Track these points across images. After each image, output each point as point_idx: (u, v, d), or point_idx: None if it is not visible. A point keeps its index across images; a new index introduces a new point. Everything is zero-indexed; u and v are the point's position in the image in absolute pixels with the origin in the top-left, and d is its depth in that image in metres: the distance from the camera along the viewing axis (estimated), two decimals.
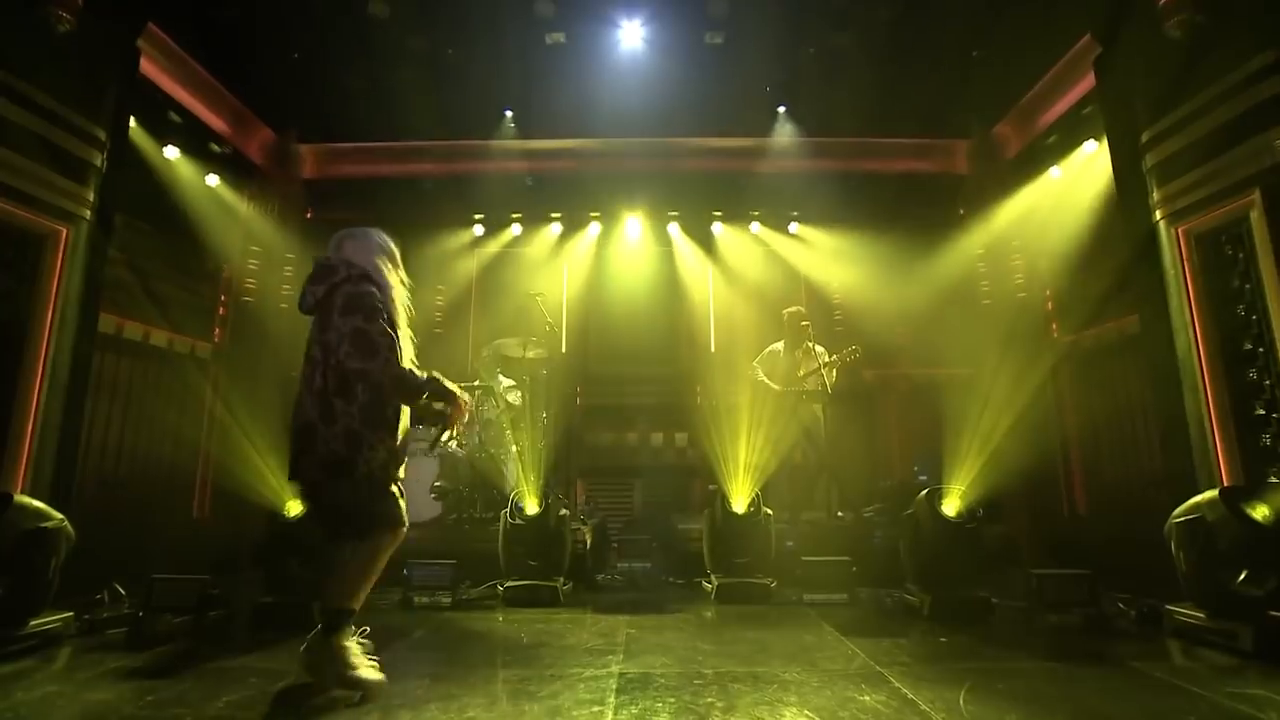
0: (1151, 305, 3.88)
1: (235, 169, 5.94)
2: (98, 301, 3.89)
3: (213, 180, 5.76)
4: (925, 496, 3.75)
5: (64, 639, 3.08)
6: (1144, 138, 3.91)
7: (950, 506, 3.68)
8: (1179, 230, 3.69)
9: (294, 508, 3.57)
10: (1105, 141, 4.49)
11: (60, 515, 3.03)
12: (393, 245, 2.64)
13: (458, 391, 2.48)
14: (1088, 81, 4.78)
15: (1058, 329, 5.81)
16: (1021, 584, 3.58)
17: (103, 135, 3.91)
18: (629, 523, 6.38)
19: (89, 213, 3.81)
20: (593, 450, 6.99)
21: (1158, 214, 3.82)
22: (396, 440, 2.43)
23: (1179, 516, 3.08)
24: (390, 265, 2.57)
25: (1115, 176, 4.26)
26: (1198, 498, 3.07)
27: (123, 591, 3.47)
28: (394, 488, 2.45)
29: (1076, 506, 5.46)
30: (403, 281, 2.59)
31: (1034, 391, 5.27)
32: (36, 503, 3.01)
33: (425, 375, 2.43)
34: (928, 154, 6.67)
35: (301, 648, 2.34)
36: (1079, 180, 5.33)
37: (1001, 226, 6.06)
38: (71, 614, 3.16)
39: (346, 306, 2.35)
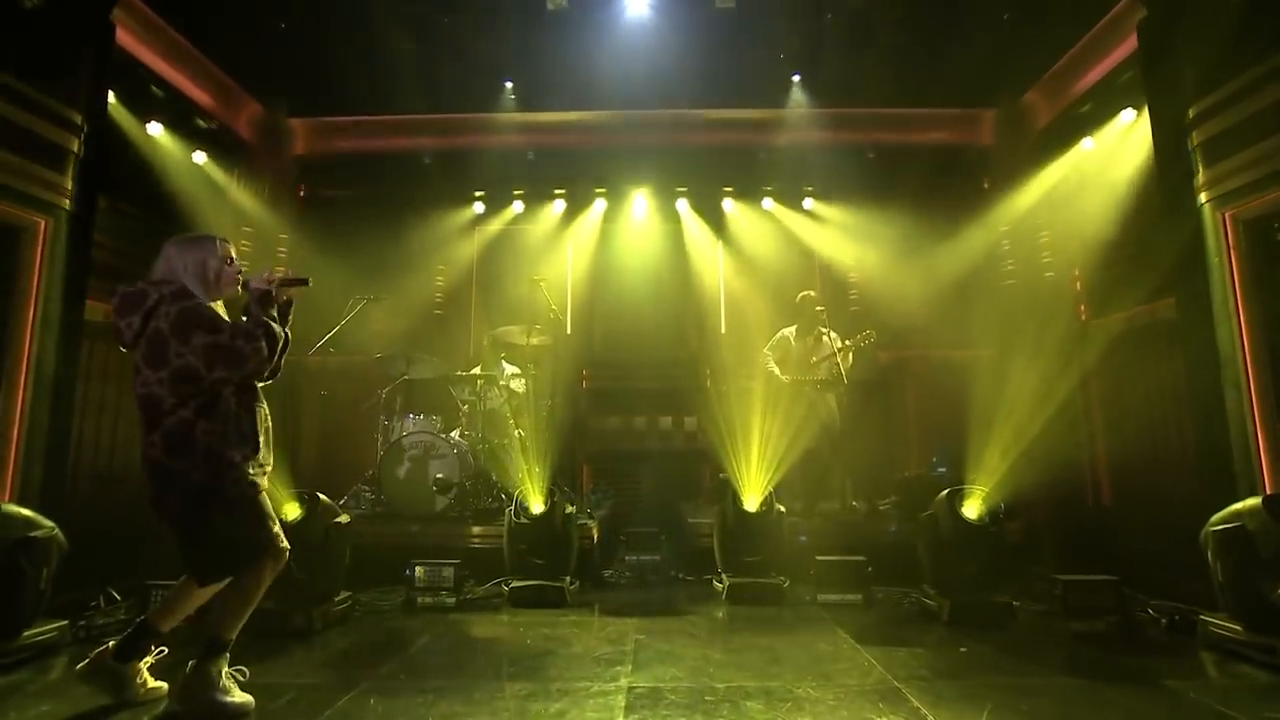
0: (1191, 292, 3.74)
1: (223, 146, 5.82)
2: (83, 296, 3.81)
3: (200, 158, 5.64)
4: (945, 497, 3.68)
5: (60, 648, 3.08)
6: (1190, 113, 3.72)
7: (971, 508, 3.61)
8: (1226, 215, 3.52)
9: (291, 510, 3.53)
10: (1145, 111, 4.30)
11: (51, 523, 3.00)
12: (222, 251, 2.49)
13: (264, 276, 2.45)
14: (1128, 44, 4.56)
15: (1086, 312, 5.68)
16: (1044, 584, 3.53)
17: (79, 119, 3.79)
18: (637, 510, 6.37)
19: (68, 202, 3.71)
20: (599, 435, 6.96)
21: (1203, 196, 3.66)
22: (258, 450, 2.39)
23: (1216, 524, 3.00)
24: (205, 277, 2.43)
25: (1156, 152, 4.08)
26: (1238, 505, 2.98)
27: (118, 597, 3.46)
28: (265, 508, 2.42)
29: (1102, 498, 5.39)
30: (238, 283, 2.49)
31: (1059, 377, 5.17)
32: (25, 511, 2.99)
33: (262, 330, 2.35)
34: (951, 125, 6.46)
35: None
36: (1114, 152, 5.13)
37: (1028, 202, 5.89)
38: (66, 622, 3.15)
39: (180, 328, 2.27)
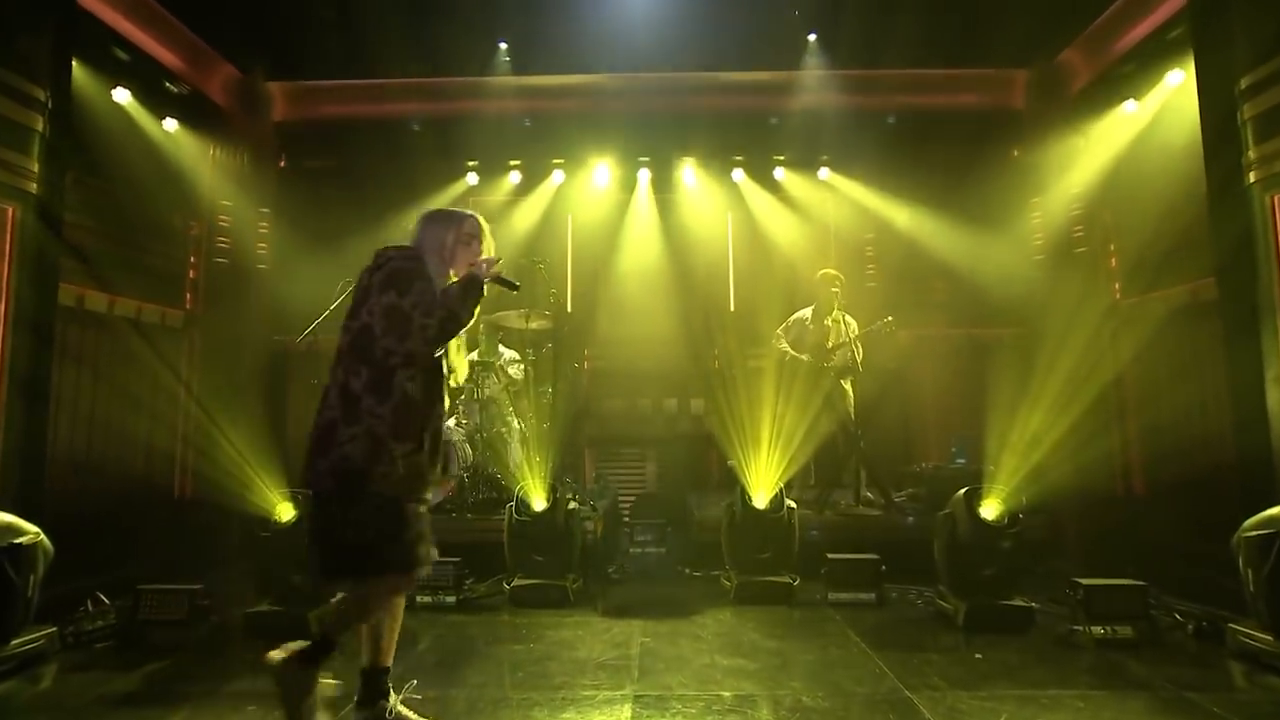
0: (1234, 283, 3.70)
1: (196, 112, 5.74)
2: (55, 287, 3.81)
3: (171, 125, 5.58)
4: (963, 497, 3.71)
5: (49, 656, 3.16)
6: (1242, 83, 3.62)
7: (989, 509, 3.64)
8: (1276, 199, 3.46)
9: (285, 512, 3.59)
10: (1194, 74, 4.18)
11: (35, 529, 3.06)
12: (467, 228, 2.48)
13: (486, 263, 2.40)
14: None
15: (1121, 290, 5.64)
16: (1066, 585, 3.57)
17: (42, 95, 3.75)
18: (642, 497, 6.44)
19: (35, 186, 3.69)
20: (602, 418, 7.01)
21: (1251, 176, 3.59)
22: (426, 456, 2.26)
23: (1250, 530, 3.03)
24: (441, 251, 2.43)
25: (1203, 123, 4.00)
26: (1273, 510, 3.00)
27: (106, 601, 3.55)
28: (417, 517, 2.26)
29: (1134, 488, 5.41)
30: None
31: (1090, 359, 5.17)
32: (8, 516, 3.04)
33: (448, 310, 2.27)
34: (979, 87, 6.31)
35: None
36: (1159, 118, 5.04)
37: (1062, 171, 5.80)
38: (55, 629, 3.24)
39: (380, 284, 2.27)
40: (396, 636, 2.44)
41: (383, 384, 2.21)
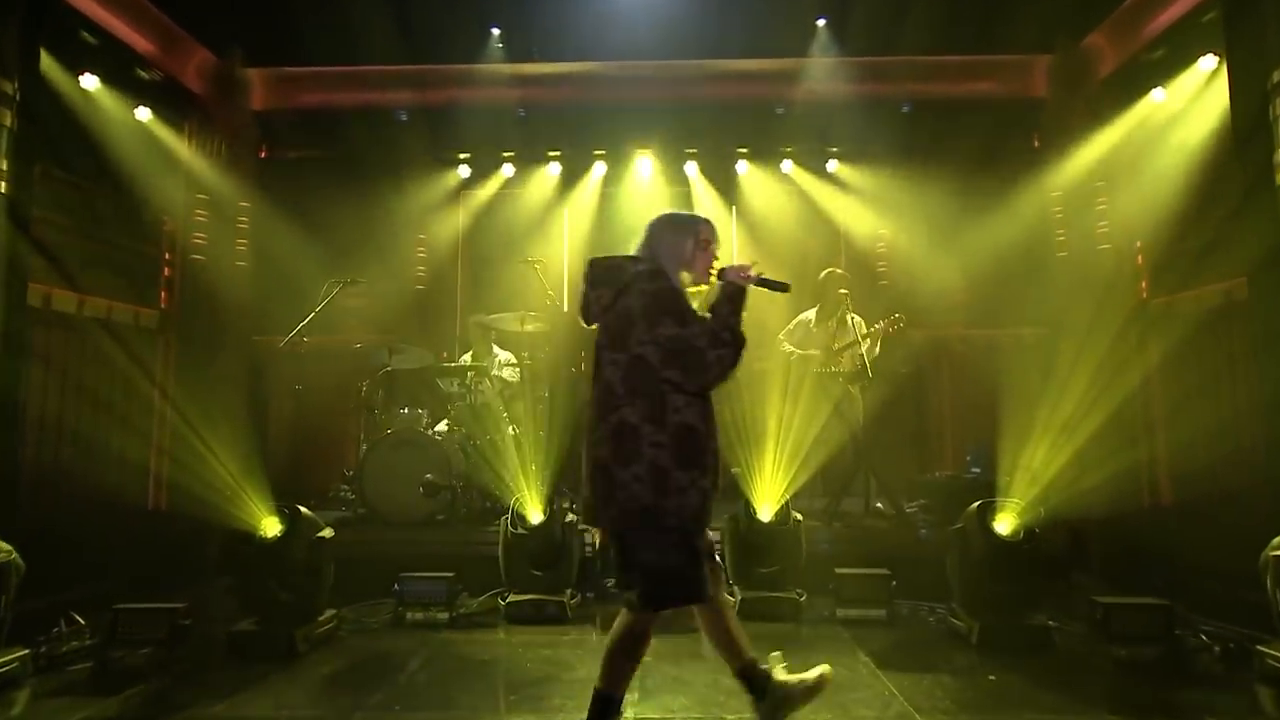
0: (1267, 281, 3.71)
1: (170, 100, 5.75)
2: (24, 295, 3.83)
3: (143, 114, 5.59)
4: (976, 510, 3.73)
5: (22, 680, 3.17)
6: (1275, 77, 3.64)
7: (1004, 523, 3.66)
8: None
9: (270, 526, 3.63)
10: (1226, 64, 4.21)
11: (8, 547, 3.09)
12: (705, 233, 2.51)
13: (741, 268, 2.42)
14: None
15: (1148, 289, 5.66)
16: (1086, 602, 3.60)
17: (10, 88, 3.76)
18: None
19: (3, 184, 3.71)
20: None
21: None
22: (709, 480, 2.32)
23: (1277, 549, 3.06)
24: (681, 259, 2.45)
25: (1233, 116, 4.02)
26: None
27: (81, 621, 3.57)
28: (703, 546, 2.34)
29: (1160, 497, 5.44)
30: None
31: (1116, 362, 5.19)
32: None
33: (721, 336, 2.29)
34: (998, 73, 6.32)
35: None
36: (1190, 106, 5.04)
37: (1086, 163, 5.80)
38: (27, 651, 3.25)
39: (650, 312, 2.28)
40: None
41: (660, 414, 2.25)
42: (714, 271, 2.49)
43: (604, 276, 2.41)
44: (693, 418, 2.29)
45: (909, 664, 3.38)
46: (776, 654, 2.66)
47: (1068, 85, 5.97)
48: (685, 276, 2.47)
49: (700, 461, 2.29)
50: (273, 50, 6.07)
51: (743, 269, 2.43)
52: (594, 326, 2.46)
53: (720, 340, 2.27)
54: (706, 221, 2.55)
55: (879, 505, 5.40)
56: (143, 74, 5.50)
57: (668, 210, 2.61)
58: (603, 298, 2.38)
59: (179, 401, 5.41)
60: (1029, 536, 3.64)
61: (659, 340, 2.25)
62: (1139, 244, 5.70)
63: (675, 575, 2.27)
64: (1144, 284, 5.68)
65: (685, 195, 7.10)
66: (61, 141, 4.81)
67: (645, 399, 2.26)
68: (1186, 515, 5.13)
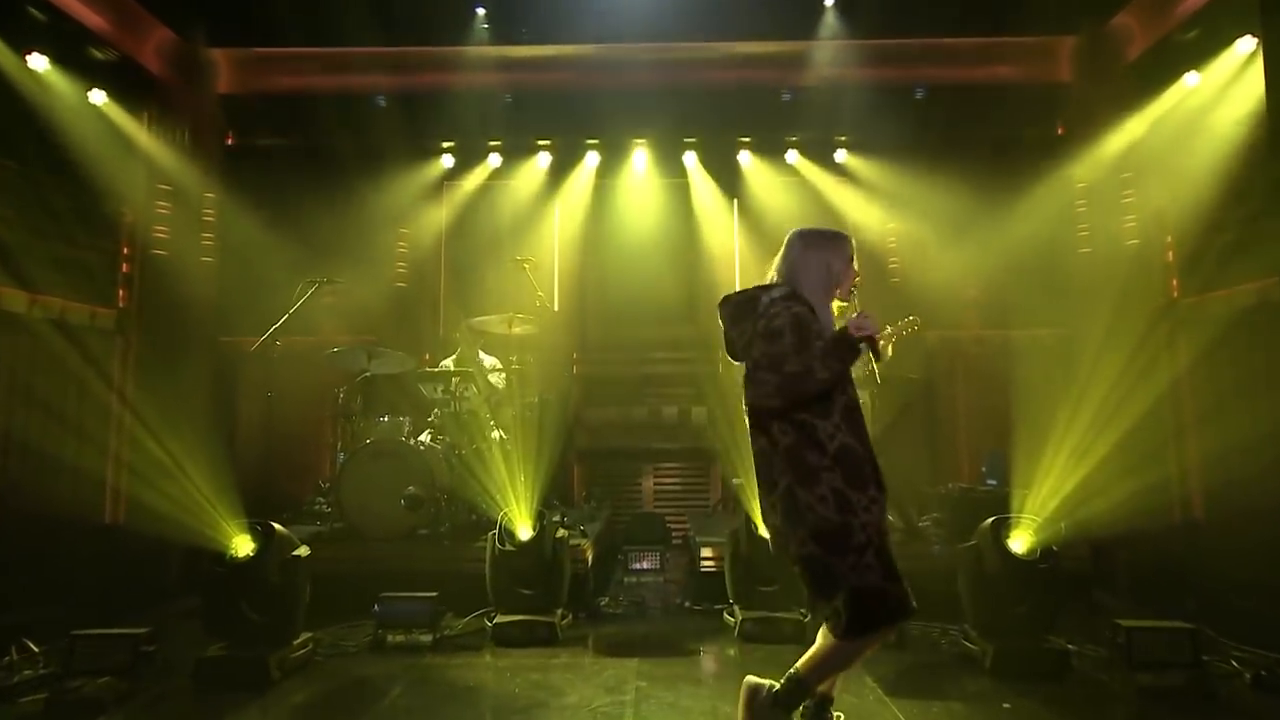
0: None
1: (127, 82, 5.71)
2: None
3: (98, 97, 5.55)
4: (989, 527, 3.74)
5: None
6: None
7: (1019, 541, 3.67)
8: None
9: (243, 545, 3.65)
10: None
11: None
12: (850, 251, 2.58)
13: (864, 322, 2.44)
14: None
15: (1178, 287, 5.68)
16: (1108, 625, 3.63)
17: None
18: (637, 518, 6.52)
19: None
20: (593, 428, 7.07)
21: None
22: (881, 485, 2.44)
23: None
24: (826, 279, 2.52)
25: (1270, 101, 4.04)
26: None
27: (34, 648, 3.56)
28: (892, 557, 2.45)
29: (1192, 512, 5.45)
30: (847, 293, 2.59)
31: (1143, 365, 5.21)
32: None
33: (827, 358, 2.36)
34: (1019, 57, 6.37)
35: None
36: (1226, 91, 5.05)
37: (1112, 152, 5.84)
38: None
39: (767, 334, 2.40)
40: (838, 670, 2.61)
41: (813, 441, 2.37)
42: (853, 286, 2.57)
43: (740, 313, 2.49)
44: (844, 439, 2.39)
45: (918, 690, 3.40)
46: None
47: (1093, 69, 6.01)
48: (836, 303, 2.54)
49: (870, 479, 2.41)
50: (240, 29, 6.06)
51: (865, 323, 2.43)
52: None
53: (806, 372, 2.32)
54: (850, 238, 2.61)
55: (888, 519, 5.43)
56: (97, 54, 5.46)
57: (808, 226, 2.65)
58: (745, 333, 2.45)
59: (139, 408, 5.38)
60: (1047, 554, 3.65)
61: (758, 360, 2.39)
62: (1169, 239, 5.72)
63: (877, 592, 2.37)
64: (1174, 282, 5.70)
65: (683, 187, 7.11)
66: (8, 127, 4.79)
67: (787, 422, 2.38)
68: (1219, 531, 5.13)
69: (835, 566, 2.35)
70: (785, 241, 2.59)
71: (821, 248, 2.54)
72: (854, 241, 2.61)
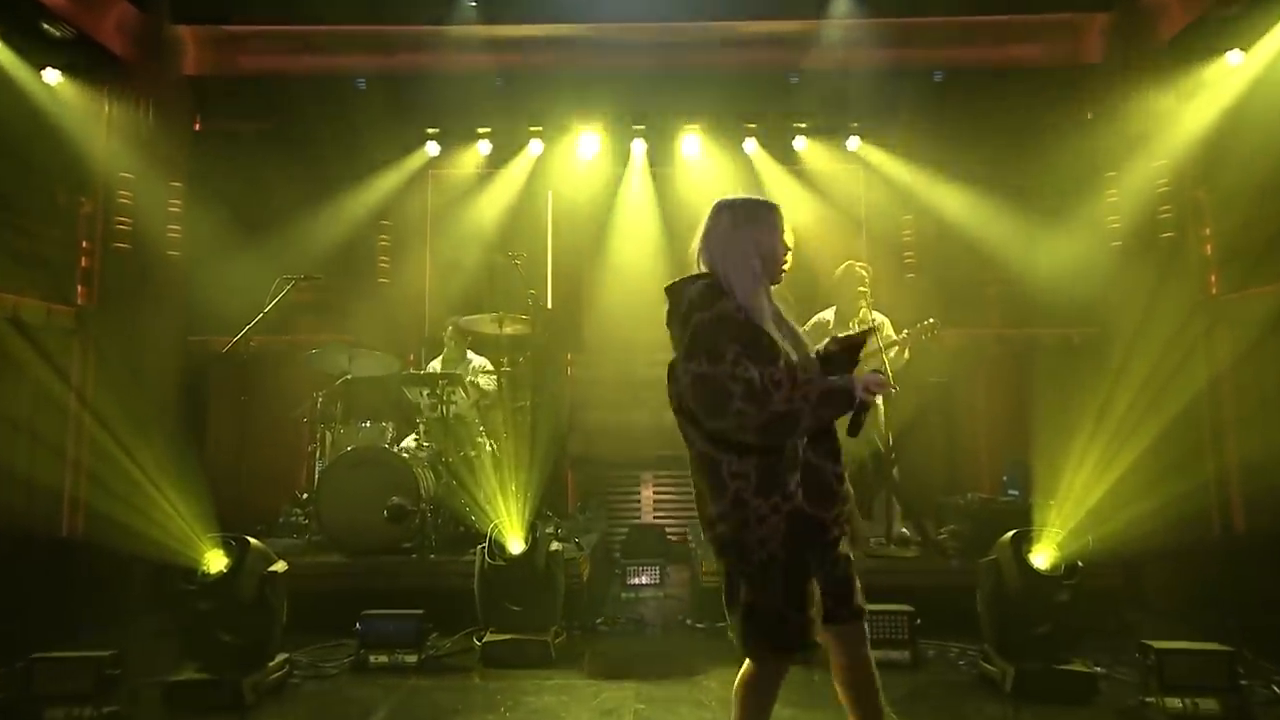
0: None
1: (85, 61, 5.64)
2: None
3: (53, 77, 5.53)
4: (1009, 541, 3.77)
5: None
6: None
7: (1042, 556, 3.69)
8: None
9: (215, 561, 3.68)
10: None
11: None
12: (772, 228, 2.38)
13: (878, 382, 2.29)
14: None
15: (1217, 283, 5.68)
16: (1138, 641, 3.66)
17: None
18: (635, 530, 6.56)
19: None
20: (589, 435, 7.12)
21: None
22: (800, 498, 2.23)
23: None
24: (753, 264, 2.32)
25: None
26: None
27: None
28: (808, 579, 2.24)
29: (1231, 523, 5.44)
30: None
31: (1179, 366, 5.20)
32: None
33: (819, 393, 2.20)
34: (1046, 36, 6.37)
35: None
36: (1271, 71, 5.05)
37: (1145, 138, 5.78)
38: None
39: (689, 348, 2.24)
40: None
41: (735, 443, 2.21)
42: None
43: (671, 314, 2.33)
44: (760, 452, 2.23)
45: (934, 714, 3.44)
46: None
47: (1125, 48, 5.98)
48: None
49: (779, 485, 2.20)
50: (208, 5, 6.05)
51: (876, 386, 2.27)
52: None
53: (789, 411, 2.14)
54: (778, 206, 2.43)
55: (902, 531, 5.45)
56: (51, 29, 5.35)
57: (733, 196, 2.43)
58: (678, 339, 2.30)
59: (101, 413, 5.35)
60: (1072, 570, 3.67)
61: (687, 381, 2.21)
62: (1207, 231, 5.71)
63: (771, 612, 2.23)
64: (1212, 277, 5.69)
65: (685, 176, 7.11)
66: None
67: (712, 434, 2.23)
68: (1262, 545, 5.07)
69: (734, 578, 2.28)
70: (709, 215, 2.40)
71: (750, 222, 2.36)
72: (782, 211, 2.43)
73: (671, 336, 2.35)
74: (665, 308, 2.36)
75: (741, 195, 2.45)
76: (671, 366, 2.31)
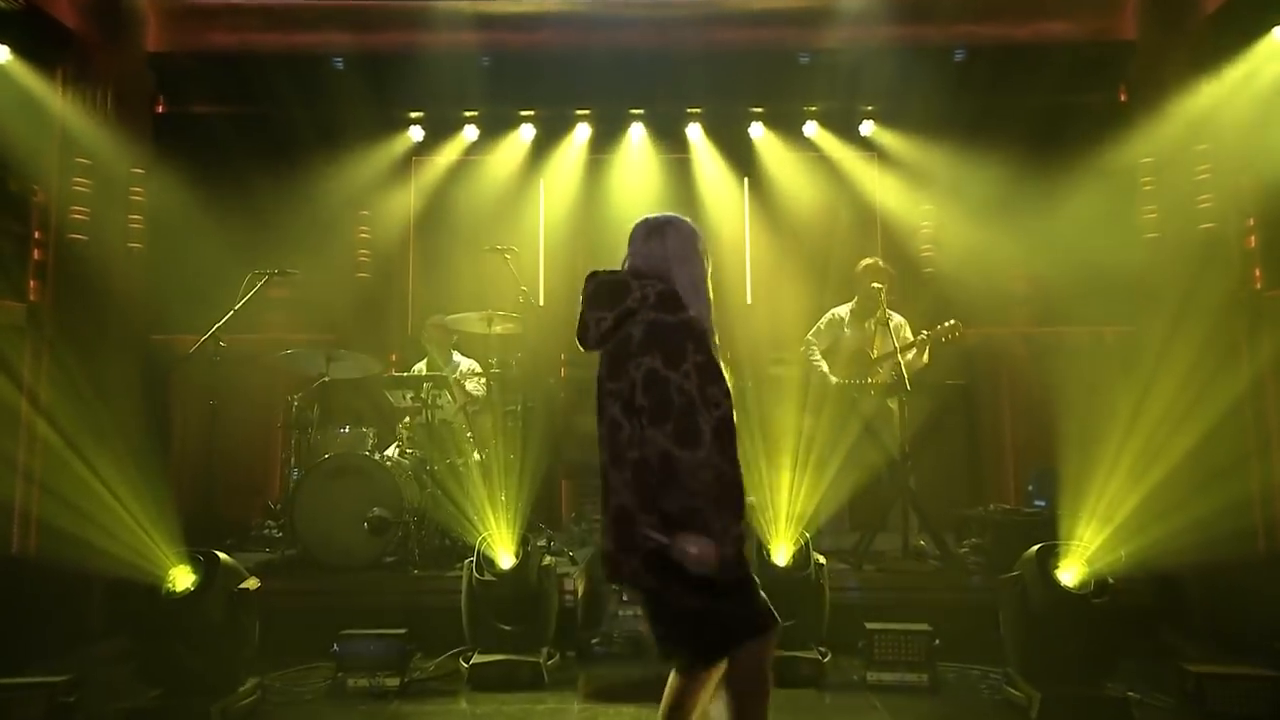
0: None
1: (37, 37, 5.59)
2: None
3: (1, 55, 5.48)
4: (1035, 556, 3.79)
5: None
6: None
7: (1070, 573, 3.71)
8: None
9: (182, 577, 3.69)
10: None
11: None
12: (703, 243, 2.60)
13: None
14: None
15: (1262, 278, 5.67)
16: (1176, 664, 3.69)
17: None
18: None
19: None
20: (583, 439, 7.05)
21: None
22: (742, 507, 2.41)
23: None
24: (697, 285, 2.53)
25: None
26: None
27: None
28: (751, 576, 2.49)
29: (1276, 537, 5.44)
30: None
31: (1218, 368, 5.22)
32: None
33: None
34: (1077, 11, 6.43)
35: None
36: None
37: (1185, 121, 5.82)
38: None
39: (644, 341, 2.37)
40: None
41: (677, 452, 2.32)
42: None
43: (605, 296, 2.46)
44: (715, 445, 2.35)
45: None
46: None
47: (1163, 23, 6.03)
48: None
49: (731, 503, 2.37)
50: None
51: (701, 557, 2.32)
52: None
53: (718, 449, 2.31)
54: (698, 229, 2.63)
55: (920, 545, 5.47)
56: None
57: (659, 213, 2.62)
58: (604, 321, 2.43)
59: (55, 418, 5.31)
60: (1102, 587, 3.69)
61: (641, 369, 2.33)
62: (1250, 222, 5.69)
63: (728, 613, 2.40)
64: (1256, 271, 5.68)
65: (687, 164, 7.15)
66: None
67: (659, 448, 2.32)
68: None
69: (665, 589, 2.40)
70: (648, 227, 2.57)
71: (697, 252, 2.55)
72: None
73: (586, 321, 2.48)
74: (582, 291, 2.51)
75: (671, 215, 2.63)
76: (599, 376, 2.45)
